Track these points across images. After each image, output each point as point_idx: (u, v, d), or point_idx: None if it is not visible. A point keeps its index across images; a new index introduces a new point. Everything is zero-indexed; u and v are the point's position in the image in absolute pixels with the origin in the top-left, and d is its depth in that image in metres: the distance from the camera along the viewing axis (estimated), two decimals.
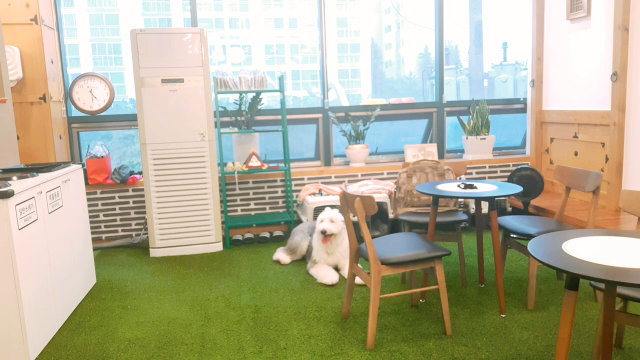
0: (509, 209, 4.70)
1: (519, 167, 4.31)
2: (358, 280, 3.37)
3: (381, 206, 4.32)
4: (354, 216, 2.98)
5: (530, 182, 4.19)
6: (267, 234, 4.50)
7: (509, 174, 4.53)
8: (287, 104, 4.98)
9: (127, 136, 5.03)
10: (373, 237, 4.14)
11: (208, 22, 5.20)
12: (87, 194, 4.42)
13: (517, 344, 2.49)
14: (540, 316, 2.79)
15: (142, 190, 4.48)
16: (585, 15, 4.19)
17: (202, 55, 4.07)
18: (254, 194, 4.70)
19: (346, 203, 2.64)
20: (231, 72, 4.44)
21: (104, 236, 4.52)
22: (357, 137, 4.87)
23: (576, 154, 4.44)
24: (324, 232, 3.48)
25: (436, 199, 3.05)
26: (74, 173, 3.27)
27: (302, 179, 4.72)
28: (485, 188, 2.98)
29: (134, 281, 3.60)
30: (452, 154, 5.24)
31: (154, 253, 4.18)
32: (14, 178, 2.63)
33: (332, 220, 3.52)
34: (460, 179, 4.12)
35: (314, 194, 4.46)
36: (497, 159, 5.00)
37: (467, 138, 5.00)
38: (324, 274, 3.45)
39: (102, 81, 4.46)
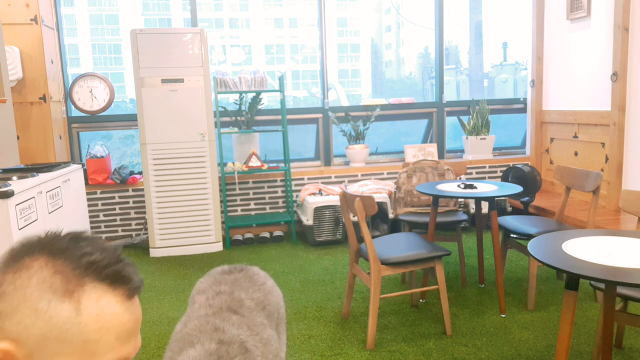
0: (509, 209, 4.69)
1: (512, 166, 4.31)
2: None
3: (381, 206, 4.32)
4: (354, 216, 2.98)
5: (525, 181, 4.19)
6: (267, 234, 4.49)
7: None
8: (287, 104, 4.98)
9: (127, 136, 5.04)
10: (373, 237, 4.12)
11: (208, 22, 5.20)
12: (87, 194, 4.42)
13: (517, 344, 2.49)
14: (540, 316, 2.79)
15: (142, 190, 4.48)
16: (585, 15, 4.19)
17: (202, 55, 4.06)
18: (254, 194, 4.70)
19: (346, 203, 2.64)
20: (231, 72, 4.44)
21: (104, 236, 4.52)
22: (357, 137, 4.86)
23: (576, 154, 4.44)
24: None
25: (436, 199, 3.05)
26: (74, 173, 3.27)
27: (302, 179, 4.72)
28: (485, 188, 2.98)
29: None
30: (452, 154, 5.24)
31: (154, 253, 4.18)
32: (14, 178, 2.63)
33: None
34: (460, 179, 4.12)
35: (314, 194, 4.46)
36: (497, 159, 5.00)
37: (467, 138, 5.00)
38: None
39: (102, 81, 4.46)
